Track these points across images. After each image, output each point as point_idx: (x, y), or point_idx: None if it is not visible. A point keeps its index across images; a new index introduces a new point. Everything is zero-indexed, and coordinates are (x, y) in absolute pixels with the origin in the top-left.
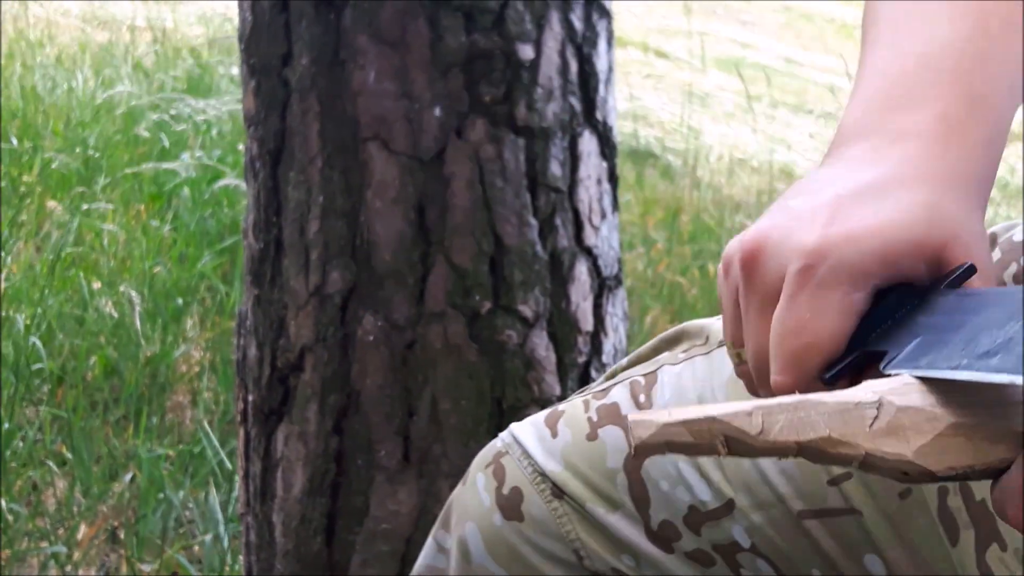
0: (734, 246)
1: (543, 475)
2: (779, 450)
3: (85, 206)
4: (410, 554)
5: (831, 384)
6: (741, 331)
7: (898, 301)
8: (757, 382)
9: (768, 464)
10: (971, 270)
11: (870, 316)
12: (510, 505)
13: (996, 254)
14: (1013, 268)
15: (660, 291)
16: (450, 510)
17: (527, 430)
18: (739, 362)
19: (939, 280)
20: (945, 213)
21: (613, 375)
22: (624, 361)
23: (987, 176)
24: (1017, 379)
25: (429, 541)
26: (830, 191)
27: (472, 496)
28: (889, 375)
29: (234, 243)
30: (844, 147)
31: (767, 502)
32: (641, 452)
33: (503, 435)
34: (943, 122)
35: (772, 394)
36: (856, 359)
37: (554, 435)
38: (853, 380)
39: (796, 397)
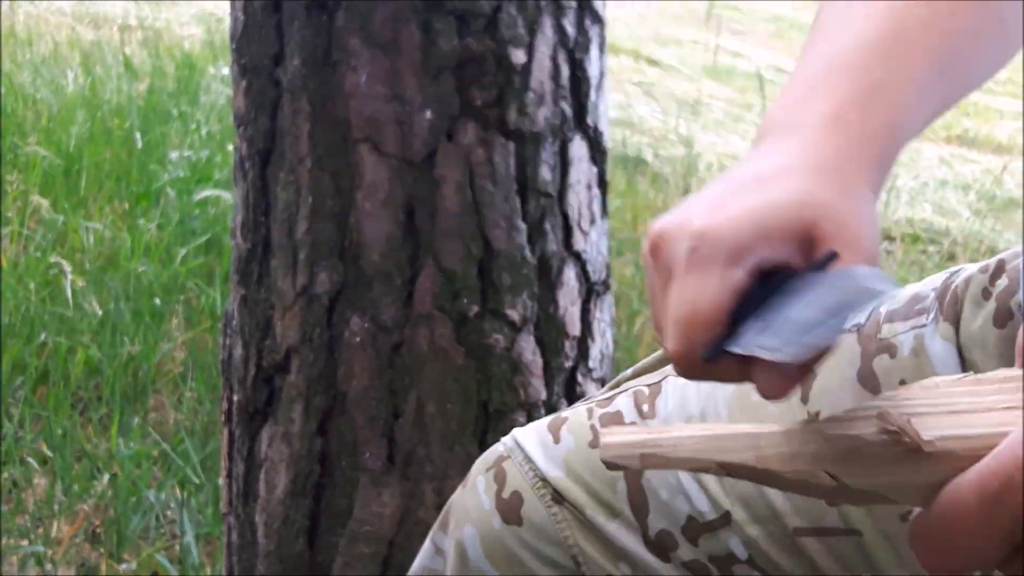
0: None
1: (544, 480)
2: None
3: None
4: (392, 556)
5: (711, 362)
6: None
7: (775, 283)
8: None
9: None
10: (832, 256)
11: (752, 298)
12: (510, 509)
13: (1003, 281)
14: (1020, 296)
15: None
16: (449, 512)
17: (530, 435)
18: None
19: (810, 265)
20: (816, 198)
21: (617, 385)
22: (629, 372)
23: (879, 163)
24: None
25: (427, 543)
26: (723, 185)
27: (472, 499)
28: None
29: (220, 243)
30: (758, 143)
31: (764, 516)
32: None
33: (506, 439)
34: (831, 114)
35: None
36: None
37: (556, 441)
38: (731, 361)
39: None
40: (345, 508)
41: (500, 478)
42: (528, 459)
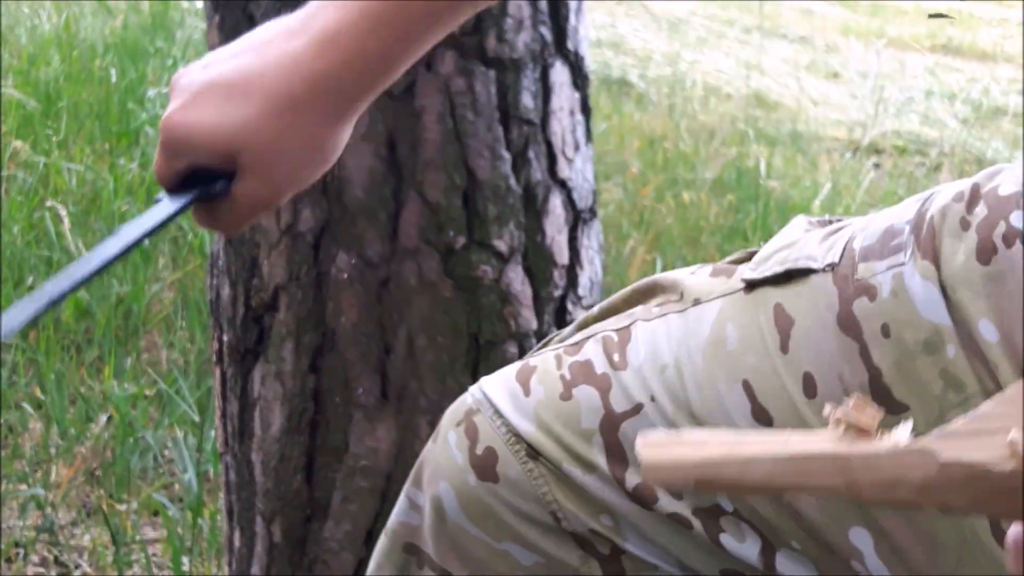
0: None
1: (517, 436)
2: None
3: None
4: (390, 490)
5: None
6: None
7: (196, 177)
8: None
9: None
10: (220, 190)
11: (191, 177)
12: (484, 465)
13: (982, 210)
14: (1002, 227)
15: (640, 220)
16: (422, 467)
17: (498, 386)
18: None
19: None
20: (253, 127)
21: (584, 325)
22: (595, 310)
23: (358, 90)
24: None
25: (401, 497)
26: (212, 72)
27: (444, 454)
28: None
29: None
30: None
31: None
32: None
33: (473, 391)
34: (328, 30)
35: None
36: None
37: (527, 393)
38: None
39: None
40: (341, 444)
41: (471, 433)
42: (498, 413)
